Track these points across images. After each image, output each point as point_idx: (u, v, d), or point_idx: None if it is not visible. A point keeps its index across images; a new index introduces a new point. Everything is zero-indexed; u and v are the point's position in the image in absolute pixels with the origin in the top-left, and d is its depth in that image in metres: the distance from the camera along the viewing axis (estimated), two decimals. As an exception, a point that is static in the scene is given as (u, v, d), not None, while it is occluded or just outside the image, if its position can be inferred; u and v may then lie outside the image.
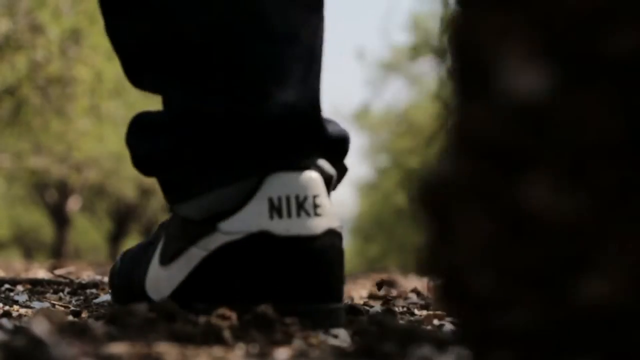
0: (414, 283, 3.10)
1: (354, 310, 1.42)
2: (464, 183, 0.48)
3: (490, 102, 0.44)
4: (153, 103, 6.11)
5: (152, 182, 11.70)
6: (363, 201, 22.72)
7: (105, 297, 1.65)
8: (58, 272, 1.99)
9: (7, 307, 1.47)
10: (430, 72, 11.57)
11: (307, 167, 0.76)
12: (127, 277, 0.97)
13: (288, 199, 0.74)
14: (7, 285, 1.80)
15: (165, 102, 0.81)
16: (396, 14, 43.67)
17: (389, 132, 15.47)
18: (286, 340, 0.98)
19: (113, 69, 6.40)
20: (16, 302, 1.58)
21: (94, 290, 1.79)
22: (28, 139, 7.49)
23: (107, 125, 7.69)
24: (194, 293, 0.84)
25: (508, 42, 0.43)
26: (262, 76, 0.77)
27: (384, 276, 3.62)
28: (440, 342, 0.86)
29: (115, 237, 14.93)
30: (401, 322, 1.36)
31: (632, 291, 0.41)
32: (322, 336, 1.05)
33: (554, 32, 0.43)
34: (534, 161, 0.43)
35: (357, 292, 2.72)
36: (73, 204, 12.12)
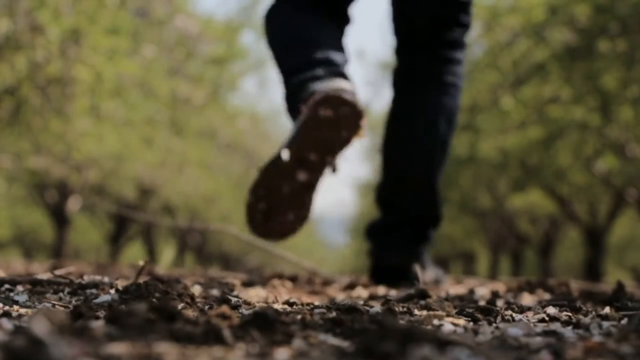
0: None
1: (354, 310, 1.42)
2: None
3: None
4: (153, 104, 6.16)
5: (151, 182, 11.69)
6: (363, 201, 22.69)
7: (105, 297, 1.65)
8: (58, 272, 1.99)
9: (7, 307, 1.47)
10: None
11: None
12: None
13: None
14: (7, 285, 1.80)
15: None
16: (396, 14, 43.58)
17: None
18: (286, 340, 0.98)
19: (113, 69, 6.39)
20: (16, 302, 1.58)
21: (94, 290, 1.79)
22: (28, 139, 7.48)
23: (107, 125, 7.68)
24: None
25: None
26: None
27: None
28: (440, 342, 0.86)
29: (115, 237, 14.92)
30: (401, 322, 1.37)
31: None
32: (322, 336, 1.05)
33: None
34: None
35: (358, 292, 2.72)
36: (73, 204, 12.11)
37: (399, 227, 2.56)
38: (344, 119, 2.02)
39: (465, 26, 2.47)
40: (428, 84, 2.47)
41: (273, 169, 2.08)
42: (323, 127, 2.01)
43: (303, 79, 2.11)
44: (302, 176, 2.10)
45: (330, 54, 2.19)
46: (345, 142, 2.05)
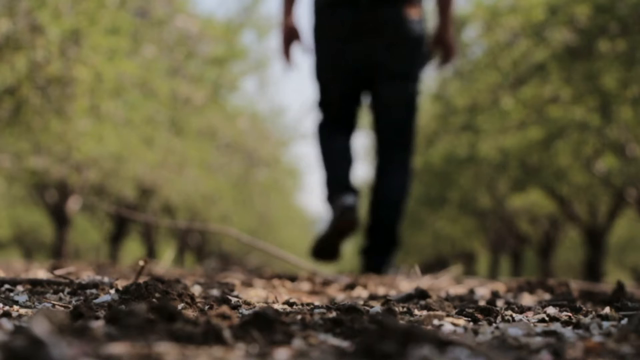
0: (415, 283, 3.10)
1: (354, 310, 1.42)
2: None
3: None
4: (153, 104, 6.13)
5: (151, 182, 11.70)
6: (363, 201, 22.69)
7: (105, 297, 1.65)
8: (58, 272, 1.99)
9: (7, 307, 1.47)
10: (430, 72, 11.58)
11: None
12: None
13: None
14: (7, 285, 1.80)
15: None
16: (396, 14, 43.65)
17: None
18: (286, 340, 0.98)
19: (113, 69, 6.39)
20: (16, 302, 1.58)
21: (94, 291, 1.79)
22: (28, 139, 7.49)
23: (107, 125, 7.69)
24: None
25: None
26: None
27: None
28: (440, 342, 0.86)
29: (115, 237, 14.93)
30: (401, 322, 1.37)
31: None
32: (322, 336, 1.05)
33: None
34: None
35: (358, 292, 2.72)
36: (73, 204, 12.12)
37: (376, 232, 4.20)
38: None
39: (407, 131, 4.13)
40: (388, 163, 4.15)
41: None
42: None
43: (336, 196, 3.97)
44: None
45: (349, 179, 4.05)
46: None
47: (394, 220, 4.13)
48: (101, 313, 1.24)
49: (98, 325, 0.91)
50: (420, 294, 1.99)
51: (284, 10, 4.11)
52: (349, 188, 3.97)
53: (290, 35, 4.08)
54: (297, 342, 0.98)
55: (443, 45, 4.11)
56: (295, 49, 4.19)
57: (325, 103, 4.12)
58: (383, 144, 4.13)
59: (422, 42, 3.97)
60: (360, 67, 4.00)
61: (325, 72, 4.05)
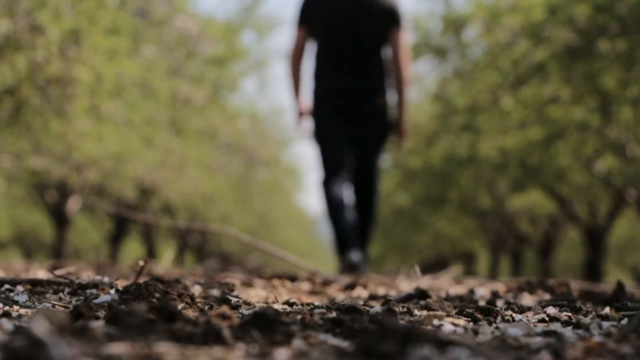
0: (415, 283, 3.10)
1: (354, 310, 1.42)
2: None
3: None
4: (152, 104, 6.12)
5: (151, 182, 11.70)
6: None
7: (105, 297, 1.65)
8: (58, 272, 1.99)
9: (7, 307, 1.47)
10: (430, 72, 11.58)
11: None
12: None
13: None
14: (7, 286, 1.80)
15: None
16: (396, 14, 43.64)
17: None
18: (286, 340, 0.98)
19: (113, 69, 6.39)
20: (16, 302, 1.58)
21: (94, 291, 1.79)
22: (28, 139, 7.48)
23: (107, 125, 7.68)
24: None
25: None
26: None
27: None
28: (440, 342, 0.86)
29: (115, 238, 14.92)
30: (401, 322, 1.37)
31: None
32: (322, 336, 1.06)
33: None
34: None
35: (358, 292, 2.72)
36: (73, 204, 12.12)
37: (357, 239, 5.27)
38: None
39: (376, 182, 5.50)
40: (363, 195, 5.41)
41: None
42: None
43: (344, 248, 5.10)
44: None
45: (353, 233, 5.18)
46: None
47: (368, 227, 5.44)
48: (101, 313, 1.24)
49: (98, 325, 0.91)
50: (420, 294, 1.99)
51: (294, 95, 5.58)
52: (354, 245, 5.11)
53: (301, 113, 5.53)
54: (297, 342, 0.98)
55: (398, 129, 5.47)
56: (306, 121, 5.60)
57: (325, 162, 5.43)
58: (359, 185, 5.42)
59: (386, 122, 5.44)
60: (347, 136, 5.44)
61: (324, 140, 5.47)
